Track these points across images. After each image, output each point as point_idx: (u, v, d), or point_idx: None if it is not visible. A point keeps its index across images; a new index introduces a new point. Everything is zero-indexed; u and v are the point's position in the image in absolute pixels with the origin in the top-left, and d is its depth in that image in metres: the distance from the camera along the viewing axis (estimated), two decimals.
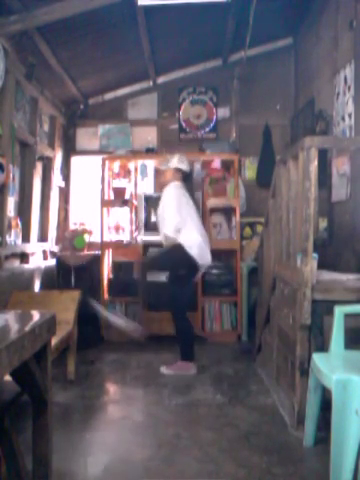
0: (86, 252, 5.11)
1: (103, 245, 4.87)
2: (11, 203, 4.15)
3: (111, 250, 5.06)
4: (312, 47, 4.88)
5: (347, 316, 2.38)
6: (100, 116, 5.80)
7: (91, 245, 5.17)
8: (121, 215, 5.12)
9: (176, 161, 3.82)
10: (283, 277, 3.04)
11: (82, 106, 5.74)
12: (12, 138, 3.94)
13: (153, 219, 4.82)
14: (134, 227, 5.00)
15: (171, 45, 5.08)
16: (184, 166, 3.84)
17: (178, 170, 3.82)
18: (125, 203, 4.93)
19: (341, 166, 3.81)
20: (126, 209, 5.02)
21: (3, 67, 3.54)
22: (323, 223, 4.28)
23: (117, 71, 5.30)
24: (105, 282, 4.86)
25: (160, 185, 4.00)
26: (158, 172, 4.04)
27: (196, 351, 3.77)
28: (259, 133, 5.60)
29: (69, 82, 4.96)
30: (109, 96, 5.82)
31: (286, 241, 3.02)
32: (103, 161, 4.92)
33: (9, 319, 1.72)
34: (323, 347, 2.50)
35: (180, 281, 3.69)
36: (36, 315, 1.76)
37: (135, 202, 5.02)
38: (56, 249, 5.33)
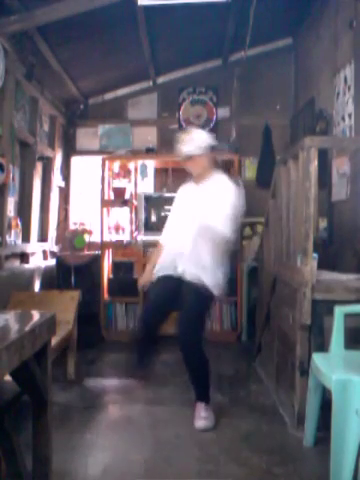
0: (86, 252, 5.11)
1: (103, 245, 4.87)
2: (11, 203, 4.15)
3: (111, 250, 5.06)
4: (312, 47, 4.88)
5: (347, 316, 2.39)
6: (100, 116, 5.79)
7: (91, 245, 5.17)
8: (121, 215, 5.12)
9: (205, 136, 2.81)
10: (283, 277, 3.05)
11: (82, 106, 5.74)
12: (12, 138, 3.94)
13: (153, 219, 4.82)
14: (134, 227, 5.00)
15: (171, 45, 5.08)
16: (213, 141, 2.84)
17: (212, 149, 2.82)
18: (125, 203, 4.93)
19: (341, 166, 3.81)
20: (126, 209, 5.02)
21: (3, 67, 3.54)
22: (323, 223, 4.27)
23: (117, 71, 5.29)
24: (105, 282, 4.86)
25: (197, 176, 2.88)
26: (187, 161, 2.81)
27: None
28: (259, 133, 5.60)
29: (69, 82, 4.96)
30: (109, 96, 5.81)
31: (286, 241, 3.02)
32: (103, 161, 4.92)
33: (9, 319, 1.72)
34: (323, 347, 2.50)
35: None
36: (36, 315, 1.76)
37: (135, 202, 5.02)
38: (56, 249, 5.32)
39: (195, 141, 2.76)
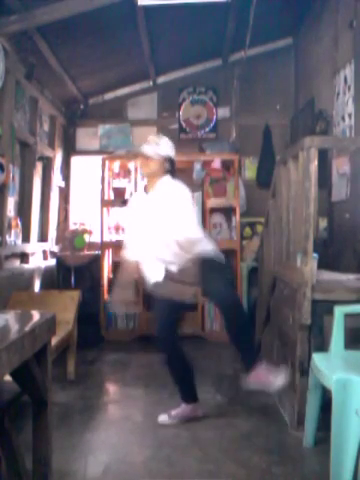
0: (86, 252, 5.10)
1: (103, 245, 4.87)
2: (11, 203, 4.15)
3: (111, 250, 5.06)
4: (312, 47, 4.88)
5: (347, 316, 2.38)
6: (100, 116, 5.80)
7: (91, 245, 5.16)
8: (121, 215, 5.12)
9: (168, 147, 2.85)
10: (283, 277, 3.04)
11: (82, 106, 5.74)
12: (12, 138, 3.94)
13: None
14: None
15: (171, 45, 5.08)
16: (173, 154, 2.87)
17: (168, 160, 2.83)
18: (125, 203, 4.91)
19: (341, 166, 3.81)
20: (126, 209, 5.02)
21: (3, 67, 3.54)
22: (323, 223, 4.28)
23: (117, 71, 5.29)
24: (105, 282, 4.86)
25: (148, 175, 2.91)
26: (142, 159, 2.82)
27: (196, 351, 3.75)
28: (259, 133, 5.60)
29: (69, 82, 4.96)
30: (109, 96, 5.82)
31: (286, 241, 3.02)
32: (103, 161, 4.92)
33: (9, 319, 1.72)
34: (323, 347, 2.50)
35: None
36: (36, 315, 1.76)
37: None
38: (56, 249, 5.32)
39: (162, 146, 2.82)
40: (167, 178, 2.85)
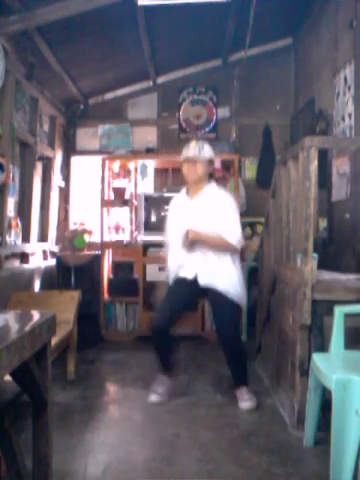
0: (86, 252, 5.10)
1: (103, 245, 4.87)
2: (11, 203, 4.15)
3: (111, 250, 5.06)
4: (312, 47, 4.88)
5: (347, 316, 2.38)
6: (100, 116, 5.80)
7: (91, 245, 5.16)
8: (121, 215, 5.12)
9: (211, 149, 2.98)
10: (283, 277, 3.04)
11: (82, 106, 5.75)
12: (12, 138, 3.94)
13: (153, 219, 4.82)
14: (134, 227, 5.00)
15: (171, 45, 5.08)
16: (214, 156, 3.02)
17: (211, 163, 3.01)
18: (125, 203, 4.93)
19: (341, 166, 3.81)
20: (126, 209, 5.02)
21: (3, 67, 3.54)
22: (323, 223, 4.28)
23: (117, 71, 5.30)
24: (105, 282, 4.86)
25: (195, 181, 2.98)
26: (188, 164, 2.94)
27: (196, 351, 3.75)
28: (259, 133, 5.60)
29: (69, 82, 4.97)
30: (109, 96, 5.82)
31: (286, 241, 3.02)
32: (103, 161, 4.91)
33: (9, 319, 1.72)
34: (323, 347, 2.50)
35: None
36: (36, 315, 1.75)
37: (135, 202, 5.02)
38: (56, 249, 5.32)
39: (206, 149, 2.95)
40: (214, 185, 3.00)
